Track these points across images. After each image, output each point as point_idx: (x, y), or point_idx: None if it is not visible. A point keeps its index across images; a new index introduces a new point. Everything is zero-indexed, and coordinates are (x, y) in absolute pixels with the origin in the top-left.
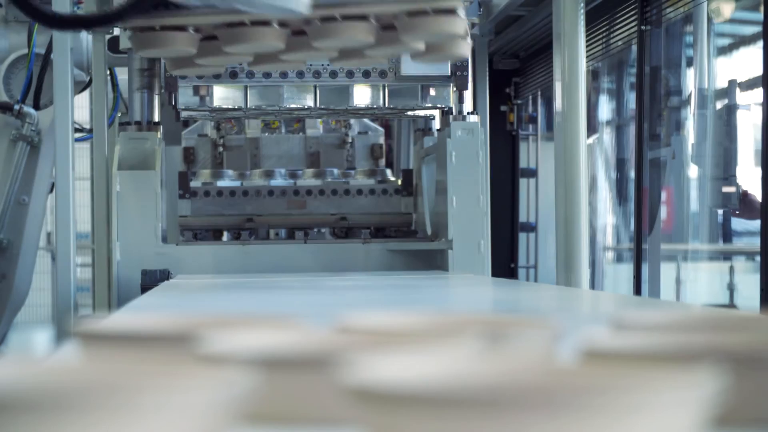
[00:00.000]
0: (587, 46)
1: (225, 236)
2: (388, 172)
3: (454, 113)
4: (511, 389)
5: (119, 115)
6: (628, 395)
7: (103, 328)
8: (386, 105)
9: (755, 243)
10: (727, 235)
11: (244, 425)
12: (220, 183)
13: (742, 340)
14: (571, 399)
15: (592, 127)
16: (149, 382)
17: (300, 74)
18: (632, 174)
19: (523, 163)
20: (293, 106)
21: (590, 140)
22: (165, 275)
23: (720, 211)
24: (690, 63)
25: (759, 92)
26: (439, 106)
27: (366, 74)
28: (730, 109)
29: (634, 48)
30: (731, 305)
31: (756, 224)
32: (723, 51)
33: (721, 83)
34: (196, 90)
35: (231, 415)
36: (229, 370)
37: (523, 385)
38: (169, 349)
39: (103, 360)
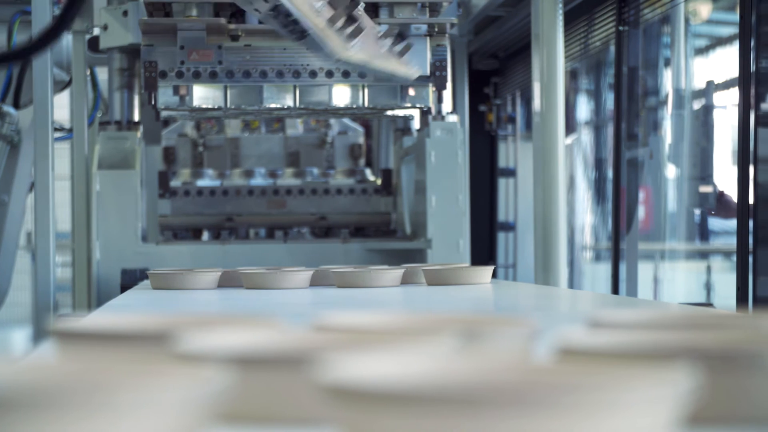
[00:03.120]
0: (566, 47)
1: (205, 236)
2: (368, 171)
3: (433, 113)
4: (487, 387)
5: (99, 114)
6: (602, 393)
7: (81, 327)
8: (366, 105)
9: (732, 242)
10: (705, 234)
11: (220, 424)
12: (200, 182)
13: (718, 339)
14: (545, 397)
15: (571, 127)
16: (127, 381)
17: (280, 74)
18: (610, 174)
19: (501, 163)
20: (273, 106)
21: (569, 140)
22: (145, 274)
23: (697, 211)
24: (667, 63)
25: (735, 93)
26: (418, 106)
27: (345, 74)
28: (707, 110)
29: (612, 48)
30: (708, 304)
31: (732, 224)
32: (700, 52)
33: (699, 84)
34: (175, 90)
35: (208, 414)
36: (206, 369)
37: (498, 383)
38: (147, 348)
39: (81, 359)
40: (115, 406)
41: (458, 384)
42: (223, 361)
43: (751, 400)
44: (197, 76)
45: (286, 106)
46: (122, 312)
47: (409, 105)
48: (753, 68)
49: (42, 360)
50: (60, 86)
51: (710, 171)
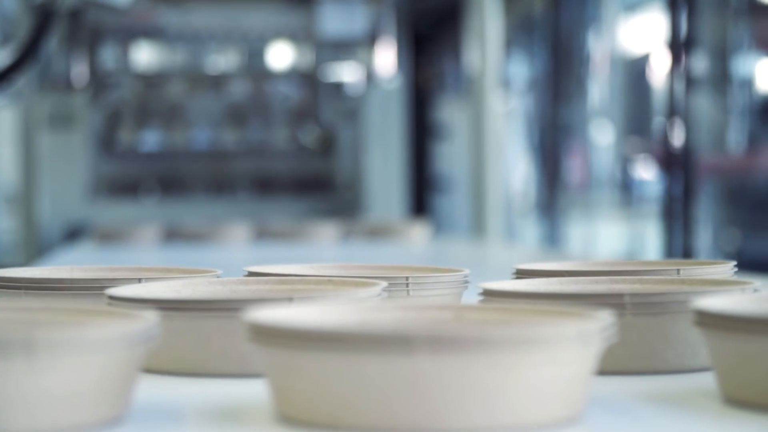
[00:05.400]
0: (503, 10)
1: (148, 193)
2: (308, 131)
3: (373, 73)
4: (417, 329)
5: (44, 76)
6: (524, 330)
7: (12, 274)
8: (307, 66)
9: (661, 199)
10: (634, 190)
11: (154, 369)
12: (143, 142)
13: (639, 284)
14: (473, 335)
15: (506, 88)
16: (63, 325)
17: (222, 36)
18: (545, 133)
19: (438, 122)
20: (215, 67)
21: (504, 101)
22: (88, 230)
23: (627, 167)
24: (601, 25)
25: (665, 53)
26: (358, 66)
27: (287, 35)
28: (638, 68)
29: (548, 11)
30: (635, 258)
31: (662, 180)
32: (631, 12)
33: (630, 44)
34: (119, 51)
35: (142, 355)
36: (139, 315)
37: (423, 323)
38: (83, 297)
39: (13, 305)
40: (52, 347)
41: (390, 326)
42: (156, 308)
43: (670, 345)
44: (140, 38)
45: (227, 68)
46: (63, 265)
47: (349, 66)
48: (683, 30)
49: None
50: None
51: (641, 128)
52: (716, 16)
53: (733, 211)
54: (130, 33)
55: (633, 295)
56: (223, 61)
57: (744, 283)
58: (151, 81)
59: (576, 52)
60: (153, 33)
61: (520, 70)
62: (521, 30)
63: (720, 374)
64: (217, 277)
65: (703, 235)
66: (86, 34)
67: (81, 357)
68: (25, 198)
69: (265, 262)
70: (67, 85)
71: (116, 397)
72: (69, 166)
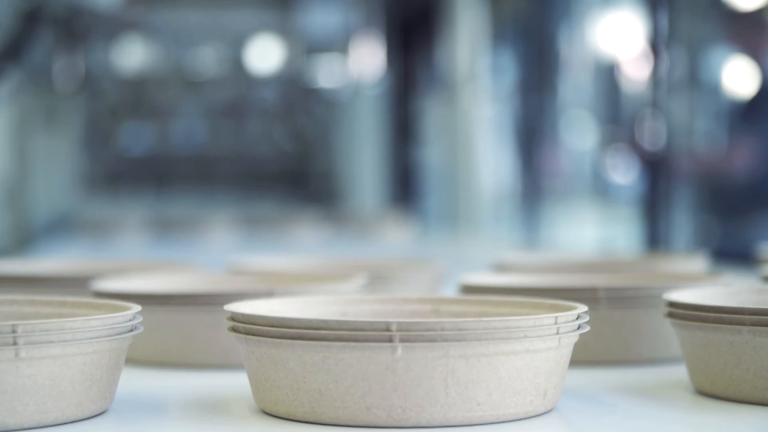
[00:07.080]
0: (487, 9)
1: (135, 190)
2: (292, 128)
3: (356, 72)
4: (397, 320)
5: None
6: (501, 321)
7: (1, 269)
8: (291, 64)
9: (641, 194)
10: (613, 185)
11: (135, 363)
12: (132, 139)
13: (614, 279)
14: (451, 326)
15: (490, 85)
16: (46, 316)
17: (207, 36)
18: (525, 129)
19: (422, 118)
20: (200, 67)
21: (486, 96)
22: (77, 223)
23: (607, 163)
24: (581, 19)
25: (645, 49)
26: (342, 65)
27: (271, 35)
28: (617, 66)
29: (531, 8)
30: (612, 252)
31: (642, 175)
32: (608, 8)
33: (609, 41)
34: (107, 51)
35: (123, 349)
36: (122, 308)
37: (406, 317)
38: (68, 290)
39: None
40: (36, 338)
41: (364, 317)
42: (140, 302)
43: (643, 337)
44: (127, 39)
45: (213, 67)
46: (50, 258)
47: (332, 64)
48: (665, 26)
49: None
50: None
51: (619, 122)
52: (691, 15)
53: (712, 206)
54: (118, 33)
55: (607, 289)
56: (208, 60)
57: (716, 276)
58: (138, 80)
59: (555, 49)
60: (141, 33)
61: (503, 67)
62: (504, 27)
63: (690, 365)
64: (201, 271)
65: (682, 230)
66: (74, 35)
67: (65, 348)
68: (15, 192)
69: (247, 253)
70: (55, 85)
71: (100, 388)
72: (58, 163)
